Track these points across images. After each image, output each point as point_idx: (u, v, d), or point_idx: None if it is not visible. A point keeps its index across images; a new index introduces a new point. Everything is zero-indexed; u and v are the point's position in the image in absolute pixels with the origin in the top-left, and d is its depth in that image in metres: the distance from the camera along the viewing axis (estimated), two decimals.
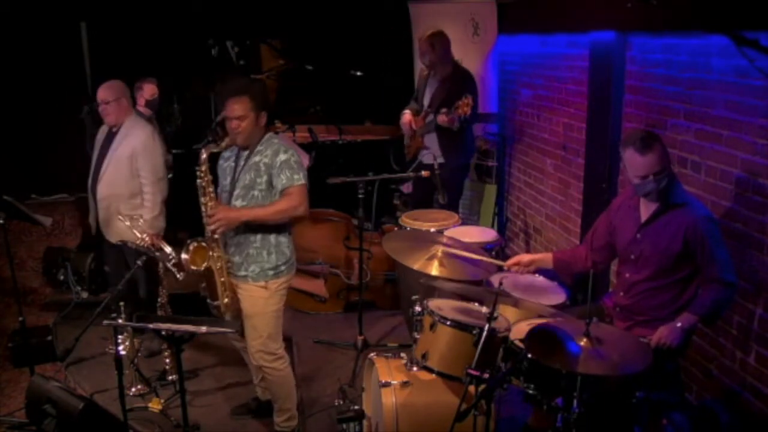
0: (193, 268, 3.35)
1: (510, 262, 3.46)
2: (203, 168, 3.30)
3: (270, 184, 3.30)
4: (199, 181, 3.32)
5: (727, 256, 2.89)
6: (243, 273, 3.40)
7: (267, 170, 3.29)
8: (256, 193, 3.32)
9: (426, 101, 5.16)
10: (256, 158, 3.32)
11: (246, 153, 3.37)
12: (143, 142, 4.18)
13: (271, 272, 3.39)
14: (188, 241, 3.37)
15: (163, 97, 5.68)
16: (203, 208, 3.34)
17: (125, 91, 4.30)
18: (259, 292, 3.39)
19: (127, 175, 4.19)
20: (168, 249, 3.91)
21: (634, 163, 2.92)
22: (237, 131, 3.28)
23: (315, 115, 6.91)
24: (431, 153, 5.03)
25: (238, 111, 3.25)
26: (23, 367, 4.26)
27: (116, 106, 4.20)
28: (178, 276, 3.60)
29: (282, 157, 3.28)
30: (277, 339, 3.50)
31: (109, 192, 4.23)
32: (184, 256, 3.35)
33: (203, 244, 3.36)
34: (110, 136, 4.28)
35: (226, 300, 3.42)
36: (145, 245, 3.86)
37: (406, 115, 5.26)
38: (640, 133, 3.00)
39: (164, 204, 4.30)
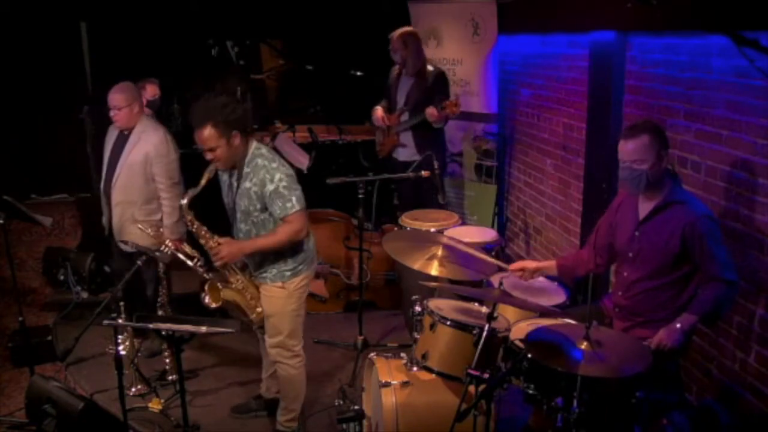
0: (214, 305, 3.37)
1: (514, 266, 3.45)
2: (189, 218, 3.31)
3: (265, 208, 3.29)
4: (188, 228, 3.36)
5: (727, 255, 2.88)
6: (263, 274, 3.42)
7: (259, 199, 3.27)
8: (255, 219, 3.34)
9: (400, 99, 5.15)
10: (247, 184, 3.29)
11: (236, 173, 3.35)
12: (156, 147, 4.13)
13: (288, 273, 3.40)
14: (205, 283, 3.40)
15: (163, 97, 5.67)
16: (205, 248, 3.37)
17: (137, 95, 4.22)
18: (277, 293, 3.40)
19: (141, 181, 4.15)
20: (192, 252, 3.79)
21: (619, 148, 2.98)
22: (214, 161, 3.25)
23: (315, 115, 6.91)
24: (408, 150, 5.07)
25: (207, 143, 3.19)
26: (23, 367, 4.26)
27: (128, 111, 4.12)
28: (207, 276, 3.50)
29: (270, 187, 3.22)
30: (296, 336, 3.52)
31: (123, 198, 4.19)
32: (206, 299, 3.38)
33: (216, 283, 3.37)
34: (122, 139, 4.21)
35: (258, 309, 3.48)
36: (169, 252, 3.64)
37: (378, 111, 5.26)
38: (639, 120, 3.02)
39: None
